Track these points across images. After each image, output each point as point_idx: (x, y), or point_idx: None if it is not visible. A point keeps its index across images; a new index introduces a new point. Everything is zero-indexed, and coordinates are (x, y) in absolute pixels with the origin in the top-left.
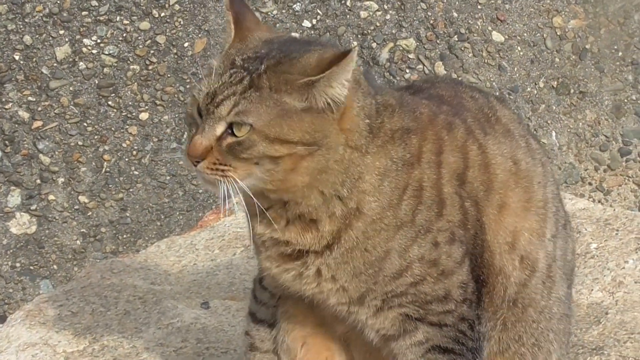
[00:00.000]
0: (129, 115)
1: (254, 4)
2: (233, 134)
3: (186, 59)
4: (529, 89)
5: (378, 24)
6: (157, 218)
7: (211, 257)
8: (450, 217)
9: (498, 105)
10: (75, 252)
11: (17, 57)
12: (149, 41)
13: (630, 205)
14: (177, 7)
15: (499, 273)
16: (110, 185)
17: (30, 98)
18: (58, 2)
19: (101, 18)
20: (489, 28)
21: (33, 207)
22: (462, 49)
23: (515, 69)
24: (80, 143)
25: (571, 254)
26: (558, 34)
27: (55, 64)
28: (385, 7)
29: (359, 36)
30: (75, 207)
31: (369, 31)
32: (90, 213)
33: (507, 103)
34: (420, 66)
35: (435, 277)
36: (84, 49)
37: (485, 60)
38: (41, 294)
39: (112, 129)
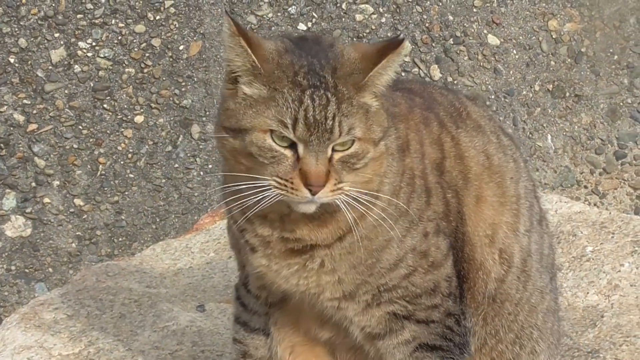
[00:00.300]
0: (124, 119)
1: (249, 7)
2: (338, 150)
3: (181, 62)
4: (524, 92)
5: (373, 27)
6: (152, 221)
7: (207, 260)
8: (436, 207)
9: (468, 102)
10: (71, 255)
11: (12, 60)
12: (144, 44)
13: (625, 209)
14: (172, 10)
15: (480, 268)
16: (106, 188)
17: (25, 101)
18: (53, 5)
19: (96, 21)
20: (485, 31)
21: (28, 210)
22: (458, 52)
23: (511, 72)
24: (75, 146)
25: (548, 248)
26: (553, 37)
27: (50, 67)
28: (381, 10)
29: (355, 39)
30: (70, 210)
31: (365, 34)
32: (85, 216)
33: (479, 102)
34: (416, 69)
35: (425, 268)
36: (79, 52)
37: (481, 64)
38: (36, 297)
39: (108, 132)
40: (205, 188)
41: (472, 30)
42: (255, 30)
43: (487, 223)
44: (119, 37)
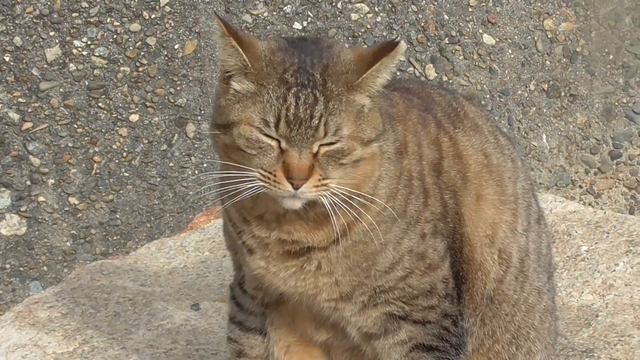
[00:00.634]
0: (119, 117)
1: (244, 6)
2: (324, 144)
3: (177, 60)
4: (519, 92)
5: (369, 26)
6: (147, 220)
7: (201, 258)
8: (433, 207)
9: (465, 102)
10: (65, 254)
11: (7, 59)
12: (140, 43)
13: (620, 208)
14: (167, 9)
15: (479, 268)
16: (101, 187)
17: (20, 99)
18: (48, 3)
19: (91, 20)
20: (480, 31)
21: (23, 209)
22: (453, 51)
23: (506, 71)
24: (70, 144)
25: (546, 247)
26: (549, 36)
27: (45, 66)
28: (376, 9)
29: (350, 38)
30: (65, 209)
31: (360, 33)
32: (80, 215)
33: (475, 101)
34: (411, 69)
35: (422, 270)
36: (74, 51)
37: (476, 63)
38: (31, 296)
39: (103, 130)
40: (200, 187)
41: (468, 29)
42: (250, 30)
43: (488, 223)
44: (114, 36)
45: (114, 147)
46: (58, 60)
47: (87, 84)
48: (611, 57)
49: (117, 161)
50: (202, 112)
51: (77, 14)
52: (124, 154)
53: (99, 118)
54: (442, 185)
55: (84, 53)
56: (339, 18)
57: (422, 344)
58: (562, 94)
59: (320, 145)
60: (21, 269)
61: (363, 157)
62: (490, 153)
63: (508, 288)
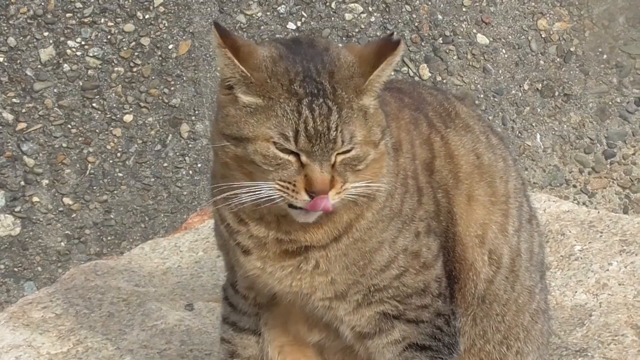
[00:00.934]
0: (113, 117)
1: (238, 6)
2: (340, 153)
3: (170, 61)
4: (513, 92)
5: (363, 26)
6: (141, 220)
7: (195, 259)
8: (427, 206)
9: (457, 102)
10: (60, 254)
11: (1, 59)
12: (134, 43)
13: (614, 208)
14: (161, 9)
15: (470, 268)
16: (95, 187)
17: (14, 100)
18: (42, 4)
19: (85, 20)
20: (474, 31)
21: (17, 209)
22: (447, 51)
23: (500, 71)
24: (64, 145)
25: (538, 247)
26: (543, 36)
27: (39, 66)
28: (370, 9)
29: (344, 38)
30: (59, 209)
31: (354, 33)
32: (74, 215)
33: (468, 101)
34: (405, 68)
35: (417, 269)
36: (68, 51)
37: (470, 63)
38: (25, 296)
39: (97, 131)
40: (194, 187)
41: (462, 29)
42: (244, 30)
43: (478, 223)
44: (108, 36)
45: (108, 147)
46: (52, 60)
47: (81, 84)
48: (605, 56)
49: (111, 161)
50: (196, 112)
51: (71, 15)
52: (118, 154)
53: (93, 118)
54: (435, 185)
55: (78, 53)
56: (332, 18)
57: (416, 344)
58: (556, 93)
59: (337, 154)
60: (15, 269)
61: (375, 158)
62: (481, 153)
63: (498, 288)
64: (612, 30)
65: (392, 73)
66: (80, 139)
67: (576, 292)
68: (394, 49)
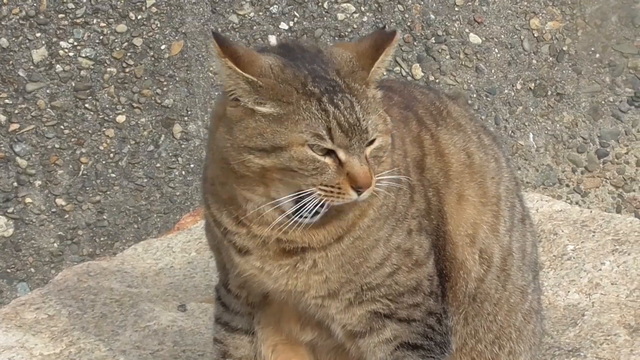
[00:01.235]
0: (106, 118)
1: (231, 7)
2: (369, 144)
3: (163, 61)
4: (506, 91)
5: (355, 26)
6: (134, 221)
7: (188, 259)
8: (419, 204)
9: (449, 101)
10: (53, 255)
11: None
12: (126, 44)
13: (607, 207)
14: (154, 9)
15: (461, 267)
16: (88, 188)
17: (6, 101)
18: (35, 4)
19: (78, 21)
20: (466, 30)
21: (10, 210)
22: (440, 51)
23: (493, 71)
24: (57, 146)
25: (531, 246)
26: (535, 35)
27: (31, 67)
28: (363, 9)
29: (337, 38)
30: (52, 210)
31: (346, 33)
32: (67, 216)
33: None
34: (398, 68)
35: (409, 267)
36: (61, 52)
37: (463, 62)
38: (18, 297)
39: (89, 131)
40: (187, 187)
41: (454, 29)
42: (236, 30)
43: (469, 222)
44: (101, 37)
45: (101, 148)
46: (44, 61)
47: (73, 85)
48: (597, 55)
49: (104, 162)
50: (189, 112)
51: (63, 15)
52: (111, 155)
53: (86, 119)
54: (426, 183)
55: (71, 54)
56: (325, 18)
57: (407, 343)
58: (549, 93)
59: (367, 145)
60: (8, 270)
61: (389, 147)
62: (472, 153)
63: (489, 287)
64: (605, 29)
65: (385, 73)
66: (73, 139)
67: (569, 291)
68: (391, 39)
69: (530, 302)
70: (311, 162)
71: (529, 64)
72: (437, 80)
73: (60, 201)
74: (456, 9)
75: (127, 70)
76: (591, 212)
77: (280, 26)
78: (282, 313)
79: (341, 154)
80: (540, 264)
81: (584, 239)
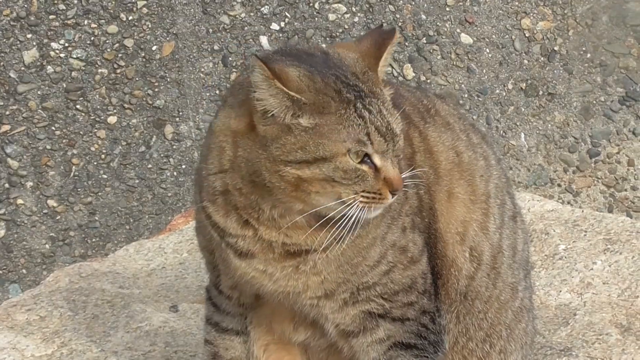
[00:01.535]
0: (97, 119)
1: (222, 7)
2: None
3: (154, 62)
4: (497, 91)
5: (346, 27)
6: (125, 222)
7: (180, 260)
8: (411, 201)
9: (437, 100)
10: (44, 256)
11: None
12: (117, 45)
13: (599, 207)
14: (145, 10)
15: (452, 265)
16: (79, 189)
17: None
18: (25, 5)
19: (69, 22)
20: (458, 30)
21: (1, 212)
22: (431, 51)
23: (484, 71)
24: (48, 147)
25: (522, 244)
26: (527, 35)
27: (22, 68)
28: (354, 9)
29: (328, 39)
30: (44, 211)
31: (338, 34)
32: (59, 217)
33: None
34: (389, 69)
35: (405, 264)
36: (52, 53)
37: (454, 63)
38: (9, 299)
39: (81, 132)
40: (178, 188)
41: (445, 29)
42: (227, 31)
43: (459, 220)
44: (92, 38)
45: (92, 149)
46: (35, 62)
47: (64, 86)
48: (589, 55)
49: (95, 163)
50: (180, 113)
51: (54, 16)
52: (103, 156)
53: (77, 120)
54: (416, 179)
55: (62, 55)
56: (316, 18)
57: (401, 342)
58: (540, 92)
59: None
60: (0, 272)
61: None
62: (461, 151)
63: (480, 285)
64: (596, 29)
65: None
66: (64, 140)
67: (560, 291)
68: (392, 37)
69: (521, 300)
70: (354, 172)
71: (521, 64)
72: (428, 81)
73: (51, 202)
74: (447, 9)
75: (118, 71)
76: (583, 211)
77: (271, 27)
78: (274, 314)
79: (377, 159)
80: (532, 263)
81: (575, 238)
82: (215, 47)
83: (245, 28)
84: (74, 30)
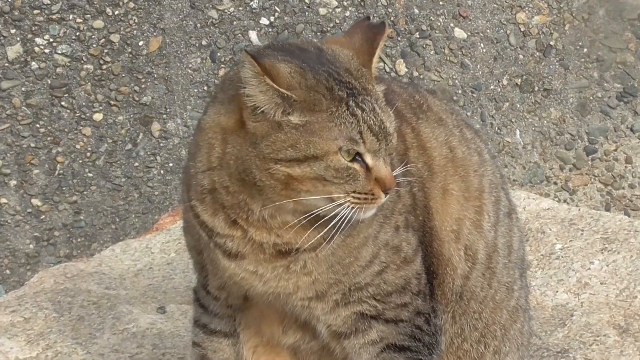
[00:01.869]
0: (82, 116)
1: (210, 1)
2: None
3: (141, 58)
4: (492, 87)
5: (337, 21)
6: (112, 221)
7: (167, 260)
8: (404, 199)
9: (429, 95)
10: (28, 257)
11: None
12: (103, 40)
13: (596, 205)
14: (131, 4)
15: (447, 264)
16: (64, 188)
17: None
18: (9, 0)
19: (53, 17)
20: (451, 25)
21: None
22: (424, 46)
23: (478, 66)
24: (32, 145)
25: (518, 242)
26: (522, 30)
27: (6, 64)
28: (345, 3)
29: (318, 33)
30: (28, 211)
31: (328, 28)
32: (43, 216)
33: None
34: (381, 64)
35: (398, 264)
36: (36, 49)
37: (448, 58)
38: None
39: (66, 130)
40: (165, 187)
41: (439, 23)
42: (216, 26)
43: (454, 218)
44: (77, 33)
45: (78, 147)
46: (19, 58)
47: (49, 82)
48: (585, 50)
49: (80, 161)
50: (168, 110)
51: (38, 11)
52: (88, 154)
53: (62, 117)
54: (410, 176)
55: (46, 51)
56: (307, 13)
57: (394, 344)
58: (536, 88)
59: None
60: None
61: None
62: (454, 147)
63: (475, 284)
64: (592, 23)
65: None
66: (48, 138)
67: (557, 291)
68: (382, 31)
69: (517, 299)
70: (345, 170)
71: (516, 59)
72: (421, 76)
73: (36, 201)
74: (441, 3)
75: (104, 67)
76: (579, 210)
77: (260, 21)
78: (263, 316)
79: (368, 158)
80: (528, 263)
81: (572, 237)
82: (204, 42)
83: (234, 23)
84: (59, 25)
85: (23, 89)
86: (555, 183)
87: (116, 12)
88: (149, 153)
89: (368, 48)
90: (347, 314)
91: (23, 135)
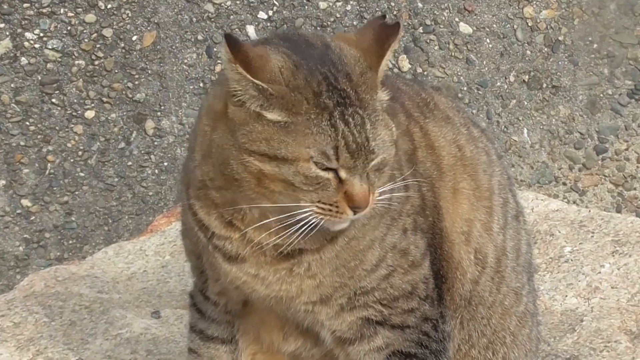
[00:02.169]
0: (74, 114)
1: None
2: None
3: (134, 53)
4: (498, 84)
5: (338, 15)
6: (104, 222)
7: (162, 263)
8: (413, 200)
9: (434, 93)
10: (18, 259)
11: None
12: (95, 35)
13: (606, 206)
14: None
15: (457, 267)
16: (55, 188)
17: None
18: None
19: (44, 10)
20: (456, 19)
21: None
22: (428, 41)
23: (484, 62)
24: (22, 143)
25: (526, 245)
26: (529, 25)
27: None
28: None
29: (319, 28)
30: (17, 212)
31: (329, 23)
32: (33, 217)
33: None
34: None
35: (405, 268)
36: (26, 44)
37: (452, 54)
38: None
39: (56, 128)
40: (160, 187)
41: (443, 18)
42: (212, 20)
43: (464, 219)
44: (68, 28)
45: (69, 145)
46: (9, 53)
47: (39, 78)
48: (595, 46)
49: (72, 160)
50: (162, 107)
51: (28, 5)
52: (80, 152)
53: (53, 115)
54: (419, 177)
55: (36, 46)
56: (306, 7)
57: (400, 351)
58: (544, 85)
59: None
60: None
61: (392, 158)
62: (463, 145)
63: (484, 289)
64: (603, 18)
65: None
66: (39, 136)
67: (566, 296)
68: (396, 33)
69: (525, 304)
70: (315, 179)
71: (523, 54)
72: (425, 73)
73: (25, 202)
74: None
75: (96, 62)
76: (589, 211)
77: (258, 15)
78: (263, 322)
79: (342, 173)
80: (536, 266)
81: (582, 240)
82: (199, 37)
83: (231, 17)
84: (50, 19)
85: (12, 85)
86: (564, 183)
87: (109, 6)
88: (142, 152)
89: (378, 49)
90: (353, 319)
91: (12, 133)
